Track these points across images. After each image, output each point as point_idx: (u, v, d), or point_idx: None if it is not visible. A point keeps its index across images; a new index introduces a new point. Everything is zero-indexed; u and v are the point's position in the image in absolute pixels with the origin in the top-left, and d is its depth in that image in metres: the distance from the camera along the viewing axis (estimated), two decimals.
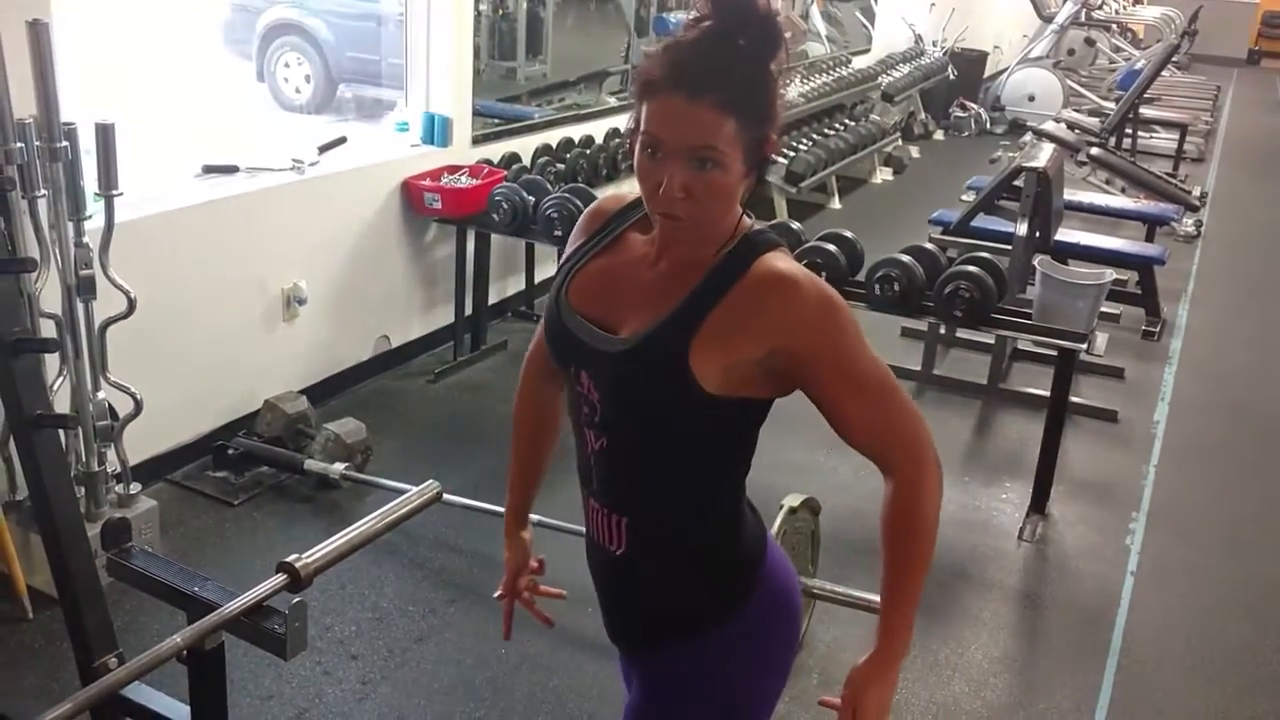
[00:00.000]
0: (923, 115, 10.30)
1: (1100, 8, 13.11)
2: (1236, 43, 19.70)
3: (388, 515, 1.90)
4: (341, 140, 4.16)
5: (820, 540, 2.98)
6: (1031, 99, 10.72)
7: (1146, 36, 15.15)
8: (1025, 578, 3.40)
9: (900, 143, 8.98)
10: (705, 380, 1.29)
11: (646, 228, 1.42)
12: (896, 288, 3.60)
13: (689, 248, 1.35)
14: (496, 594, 1.73)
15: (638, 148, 1.30)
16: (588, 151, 5.05)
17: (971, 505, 3.75)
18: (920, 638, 3.00)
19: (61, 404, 2.82)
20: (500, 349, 4.65)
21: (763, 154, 1.31)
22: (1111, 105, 9.78)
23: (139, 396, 2.97)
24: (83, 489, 2.92)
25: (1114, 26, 13.35)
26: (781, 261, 1.34)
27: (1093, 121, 8.71)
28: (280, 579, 1.72)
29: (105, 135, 2.78)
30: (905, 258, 3.65)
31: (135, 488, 3.06)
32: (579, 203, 4.11)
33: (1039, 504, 3.69)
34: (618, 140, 5.21)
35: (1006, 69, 11.45)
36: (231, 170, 3.72)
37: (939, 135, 10.51)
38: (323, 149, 4.05)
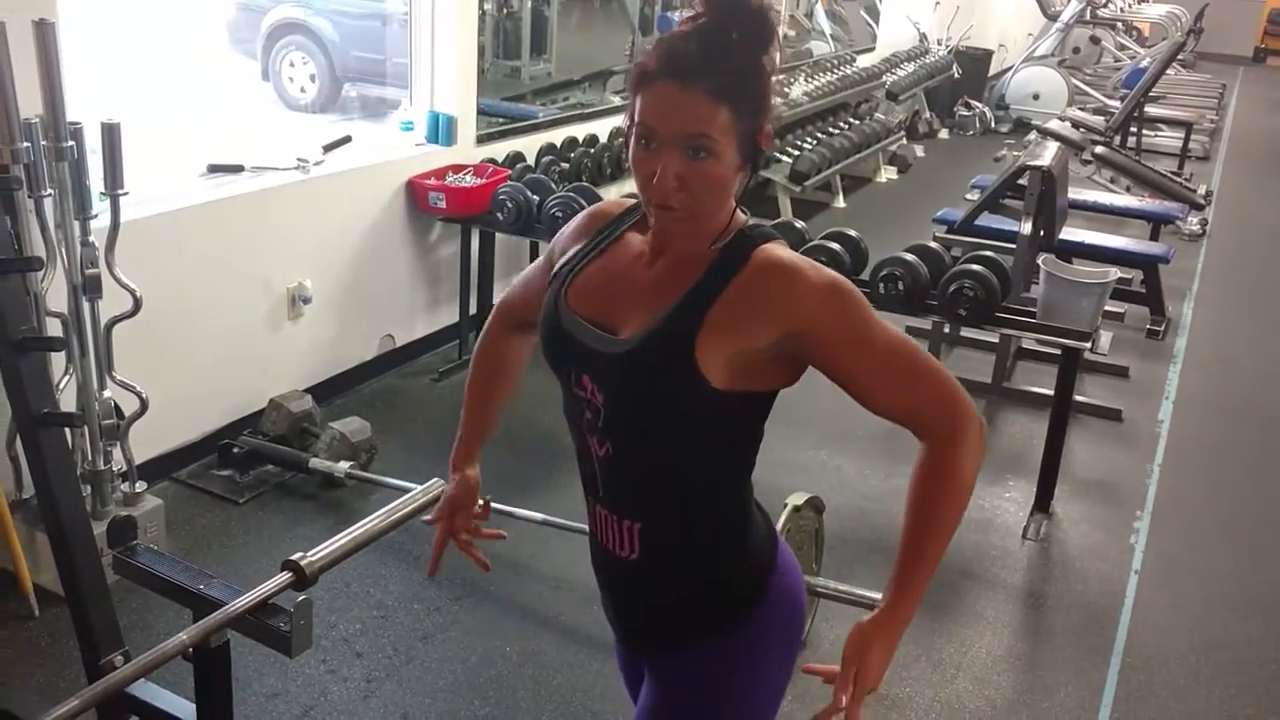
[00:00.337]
0: (927, 114, 10.29)
1: (1105, 6, 13.08)
2: (1242, 41, 19.66)
3: (392, 513, 1.90)
4: (346, 139, 4.17)
5: (824, 539, 2.98)
6: (1036, 97, 10.72)
7: (1152, 34, 15.12)
8: (1029, 576, 3.40)
9: (905, 141, 8.97)
10: (711, 374, 1.29)
11: (644, 228, 1.42)
12: (901, 286, 3.60)
13: (685, 242, 1.35)
14: (426, 518, 1.72)
15: (632, 139, 1.30)
16: (592, 151, 5.05)
17: (975, 504, 3.74)
18: (924, 635, 3.00)
19: (67, 403, 2.83)
20: None
21: (757, 146, 1.31)
22: (1116, 104, 9.77)
23: (145, 395, 2.98)
24: (89, 487, 2.93)
25: (1119, 24, 13.33)
26: (780, 250, 1.34)
27: (1098, 120, 8.71)
28: (285, 577, 1.72)
29: (111, 135, 2.79)
30: (909, 256, 3.65)
31: (141, 486, 3.07)
32: (583, 202, 4.11)
33: (1043, 502, 3.69)
34: (621, 139, 5.21)
35: (1011, 67, 11.43)
36: (237, 170, 3.73)
37: (943, 134, 10.50)
38: (327, 148, 4.06)
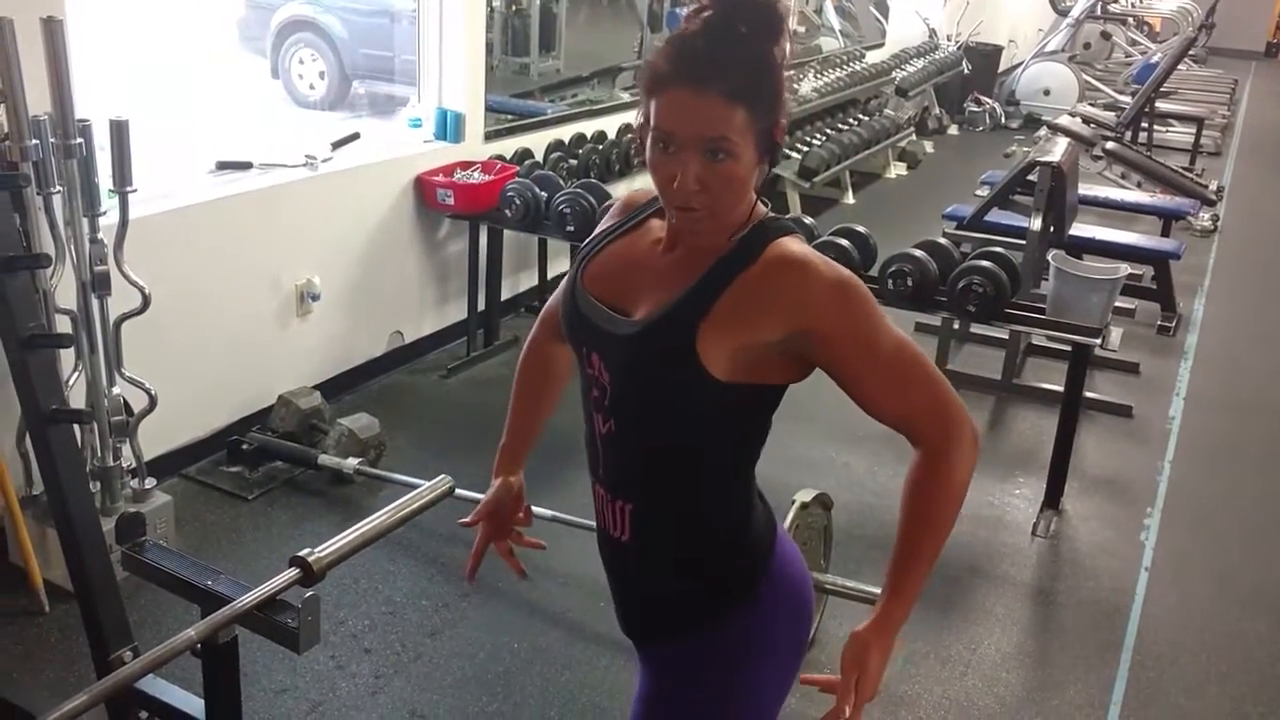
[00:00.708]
0: (937, 110, 10.26)
1: (1116, 1, 13.02)
2: (1255, 35, 19.55)
3: (401, 510, 1.90)
4: (355, 136, 4.17)
5: (833, 536, 2.97)
6: (1047, 93, 10.68)
7: (1163, 30, 15.03)
8: (1039, 573, 3.39)
9: (914, 137, 8.95)
10: (712, 365, 1.29)
11: (665, 214, 1.42)
12: (910, 283, 3.59)
13: (704, 236, 1.35)
14: (463, 520, 1.71)
15: (649, 143, 1.30)
16: (600, 147, 5.05)
17: (985, 500, 3.73)
18: (933, 632, 3.00)
19: (77, 399, 2.84)
20: (513, 345, 4.65)
21: (773, 140, 1.31)
22: (1127, 99, 9.71)
23: (154, 392, 2.98)
24: (98, 484, 2.94)
25: (1130, 20, 13.26)
26: (794, 245, 1.33)
27: (1108, 116, 8.68)
28: (293, 573, 1.73)
29: (120, 132, 2.80)
30: (919, 253, 3.64)
31: (150, 483, 3.08)
32: (591, 198, 4.11)
33: (1053, 499, 3.67)
34: (630, 135, 5.20)
35: (1021, 63, 11.39)
36: (245, 166, 3.73)
37: (953, 130, 10.47)
38: (336, 145, 4.07)
